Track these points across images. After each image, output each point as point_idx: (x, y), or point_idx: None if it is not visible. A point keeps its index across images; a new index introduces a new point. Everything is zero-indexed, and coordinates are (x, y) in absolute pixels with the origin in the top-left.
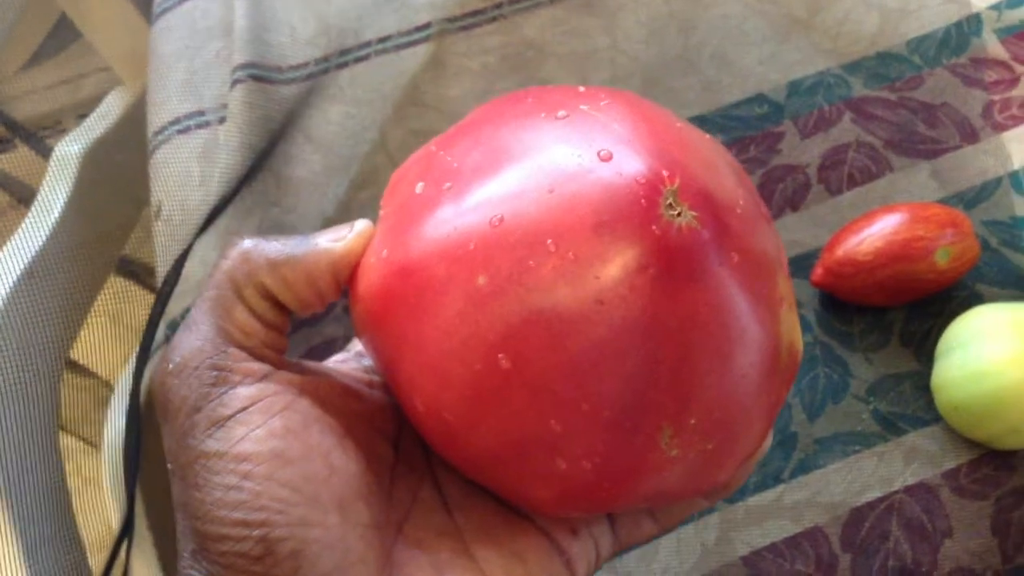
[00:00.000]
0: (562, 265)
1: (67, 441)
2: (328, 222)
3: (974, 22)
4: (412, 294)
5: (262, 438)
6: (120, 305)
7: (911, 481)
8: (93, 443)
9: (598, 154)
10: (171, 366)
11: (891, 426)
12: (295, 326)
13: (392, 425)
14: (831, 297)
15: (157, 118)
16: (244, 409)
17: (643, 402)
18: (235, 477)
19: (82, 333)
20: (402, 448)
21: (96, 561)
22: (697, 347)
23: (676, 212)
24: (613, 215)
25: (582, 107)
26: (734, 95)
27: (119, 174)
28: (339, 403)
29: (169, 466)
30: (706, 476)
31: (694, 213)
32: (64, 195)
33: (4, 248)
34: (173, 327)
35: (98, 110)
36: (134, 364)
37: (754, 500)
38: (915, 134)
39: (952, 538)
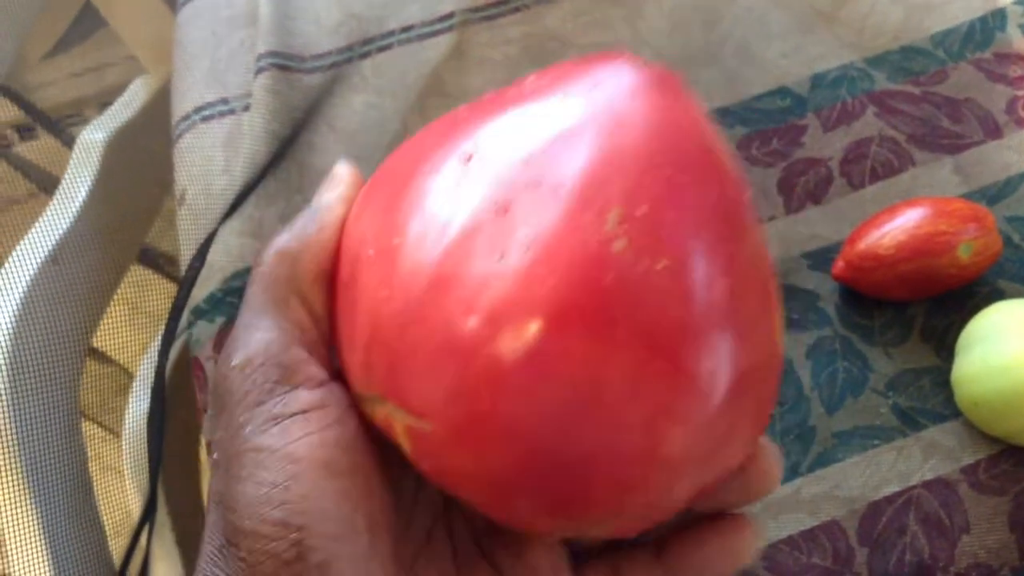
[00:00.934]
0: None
1: (89, 428)
2: None
3: (999, 17)
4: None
5: (316, 444)
6: (140, 293)
7: (929, 476)
8: (113, 430)
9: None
10: (234, 362)
11: (910, 421)
12: None
13: None
14: (852, 291)
15: (181, 106)
16: (303, 412)
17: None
18: (283, 476)
19: (103, 321)
20: (423, 484)
21: (115, 546)
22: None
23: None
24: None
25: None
26: (757, 88)
27: (142, 161)
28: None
29: (214, 456)
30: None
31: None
32: (88, 182)
33: (27, 235)
34: (197, 313)
35: (122, 98)
36: (158, 350)
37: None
38: (938, 129)
39: (970, 534)
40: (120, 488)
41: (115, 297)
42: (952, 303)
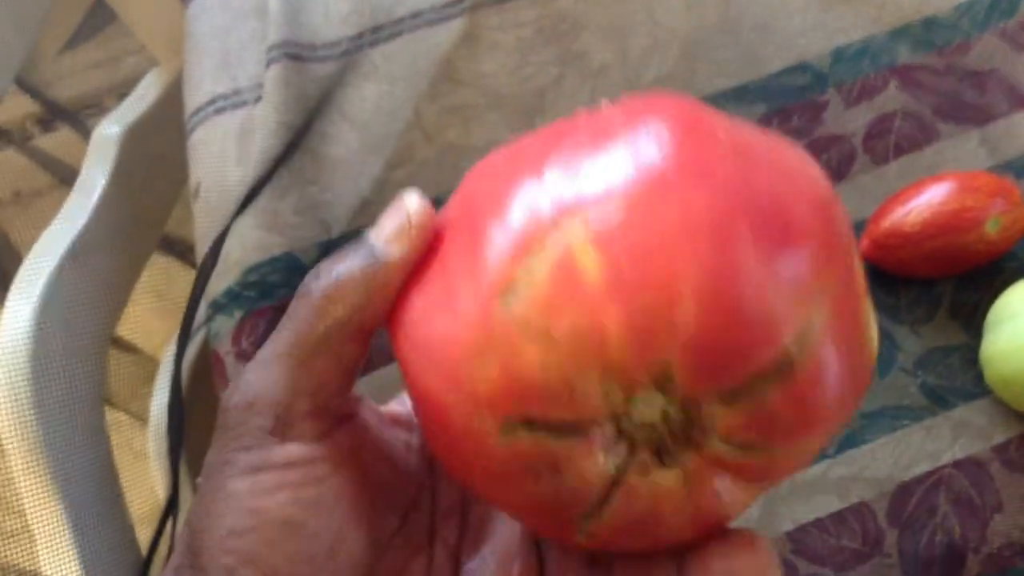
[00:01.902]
0: None
1: (117, 416)
2: (364, 202)
3: None
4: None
5: (285, 503)
6: (165, 282)
7: (960, 455)
8: (142, 418)
9: None
10: (238, 399)
11: (939, 400)
12: None
13: (408, 497)
14: (877, 269)
15: (193, 99)
16: (287, 466)
17: None
18: (243, 526)
19: (129, 310)
20: (409, 520)
21: (141, 534)
22: None
23: None
24: None
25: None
26: (776, 64)
27: (158, 154)
28: (374, 474)
29: (199, 480)
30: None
31: None
32: (104, 177)
33: (46, 231)
34: (215, 306)
35: (136, 91)
36: (176, 345)
37: (799, 475)
38: (963, 102)
39: (1002, 513)
40: (150, 475)
41: (142, 286)
42: (980, 279)
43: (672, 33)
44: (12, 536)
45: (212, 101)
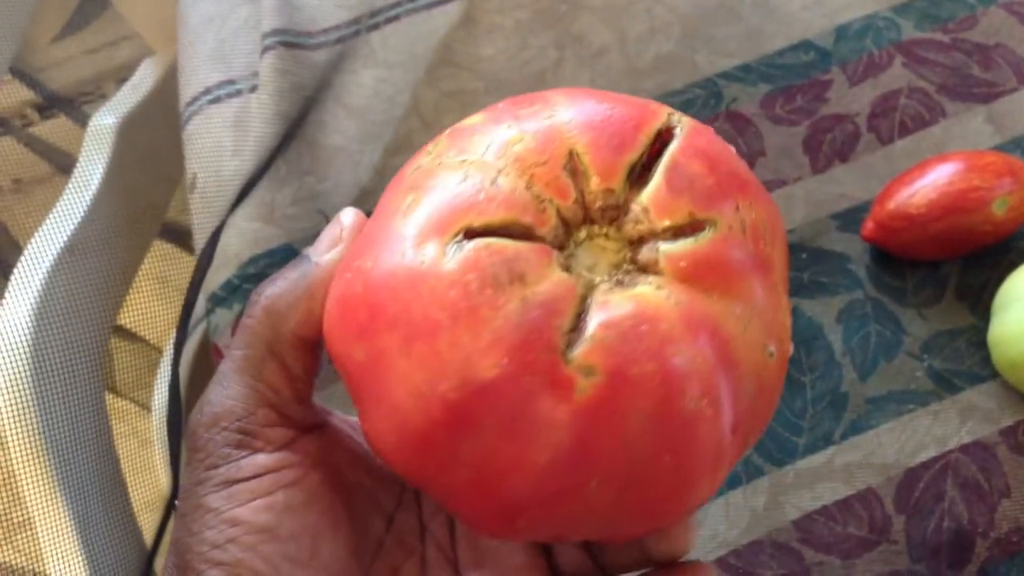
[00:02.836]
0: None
1: (122, 404)
2: (363, 191)
3: None
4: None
5: (260, 509)
6: (167, 269)
7: (967, 440)
8: (148, 406)
9: None
10: (202, 418)
11: (946, 383)
12: None
13: (392, 499)
14: (882, 252)
15: (188, 89)
16: (257, 476)
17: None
18: (223, 538)
19: (132, 298)
20: (396, 521)
21: (148, 520)
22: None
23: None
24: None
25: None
26: (779, 42)
27: (155, 144)
28: (349, 476)
29: (176, 503)
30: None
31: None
32: (101, 168)
33: (43, 224)
34: (214, 300)
35: (131, 81)
36: (174, 342)
37: (804, 463)
38: (969, 77)
39: (1010, 497)
40: (155, 463)
41: (143, 273)
42: (987, 260)
43: (672, 12)
44: (18, 528)
45: (207, 91)
